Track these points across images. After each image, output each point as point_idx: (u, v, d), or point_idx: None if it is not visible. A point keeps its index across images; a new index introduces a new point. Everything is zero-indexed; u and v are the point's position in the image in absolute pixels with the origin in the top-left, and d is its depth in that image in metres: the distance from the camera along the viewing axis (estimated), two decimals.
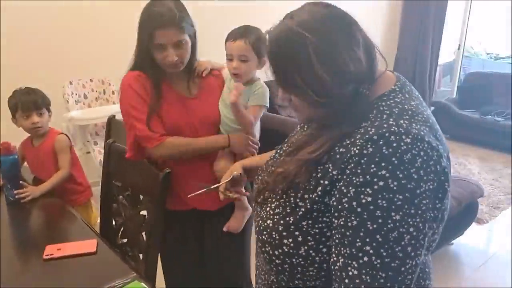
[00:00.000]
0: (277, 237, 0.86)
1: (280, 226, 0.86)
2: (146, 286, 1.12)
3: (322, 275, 0.85)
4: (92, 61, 3.27)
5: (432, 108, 5.26)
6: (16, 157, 1.78)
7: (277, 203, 0.89)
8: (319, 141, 0.86)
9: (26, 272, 1.36)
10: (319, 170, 0.84)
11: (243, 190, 1.28)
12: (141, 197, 1.65)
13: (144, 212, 1.63)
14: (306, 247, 0.83)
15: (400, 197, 0.74)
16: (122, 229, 1.73)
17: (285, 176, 0.89)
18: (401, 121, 0.79)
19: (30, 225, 1.70)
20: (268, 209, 0.91)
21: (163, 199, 1.53)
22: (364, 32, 0.84)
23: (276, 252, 0.87)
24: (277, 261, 0.88)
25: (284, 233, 0.85)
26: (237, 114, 1.48)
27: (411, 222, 0.75)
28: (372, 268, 0.75)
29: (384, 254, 0.75)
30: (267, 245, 0.89)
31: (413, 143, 0.76)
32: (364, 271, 0.76)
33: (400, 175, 0.74)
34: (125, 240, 1.73)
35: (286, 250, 0.85)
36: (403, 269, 0.76)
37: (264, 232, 0.89)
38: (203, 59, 1.60)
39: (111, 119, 2.31)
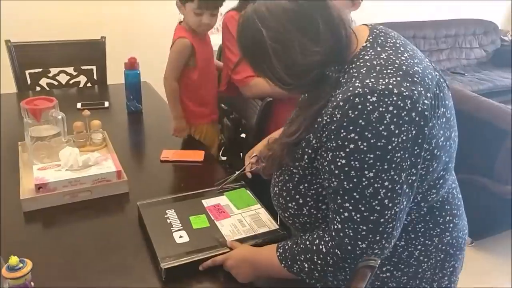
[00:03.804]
0: (283, 202, 0.96)
1: (283, 192, 0.96)
2: (251, 193, 1.27)
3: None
4: None
5: None
6: (139, 72, 1.96)
7: (279, 172, 0.98)
8: (297, 122, 0.92)
9: (145, 169, 1.60)
10: (303, 144, 0.90)
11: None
12: (243, 121, 1.81)
13: (244, 135, 1.79)
14: (307, 207, 0.93)
15: (371, 155, 0.77)
16: (223, 148, 1.92)
17: (274, 158, 0.97)
18: (367, 81, 0.79)
19: (147, 132, 1.94)
20: (275, 177, 1.01)
21: (262, 124, 1.67)
22: (329, 12, 0.83)
23: (286, 214, 0.98)
24: (289, 221, 0.99)
25: (288, 198, 0.95)
26: None
27: (385, 177, 0.79)
28: (353, 222, 0.82)
29: (363, 209, 0.81)
30: (278, 209, 1.00)
31: (379, 101, 0.76)
32: (346, 225, 0.83)
33: (369, 135, 0.77)
34: (224, 158, 1.92)
35: (292, 212, 0.95)
36: (382, 220, 0.81)
37: (274, 198, 1.00)
38: None
39: (221, 49, 2.46)
